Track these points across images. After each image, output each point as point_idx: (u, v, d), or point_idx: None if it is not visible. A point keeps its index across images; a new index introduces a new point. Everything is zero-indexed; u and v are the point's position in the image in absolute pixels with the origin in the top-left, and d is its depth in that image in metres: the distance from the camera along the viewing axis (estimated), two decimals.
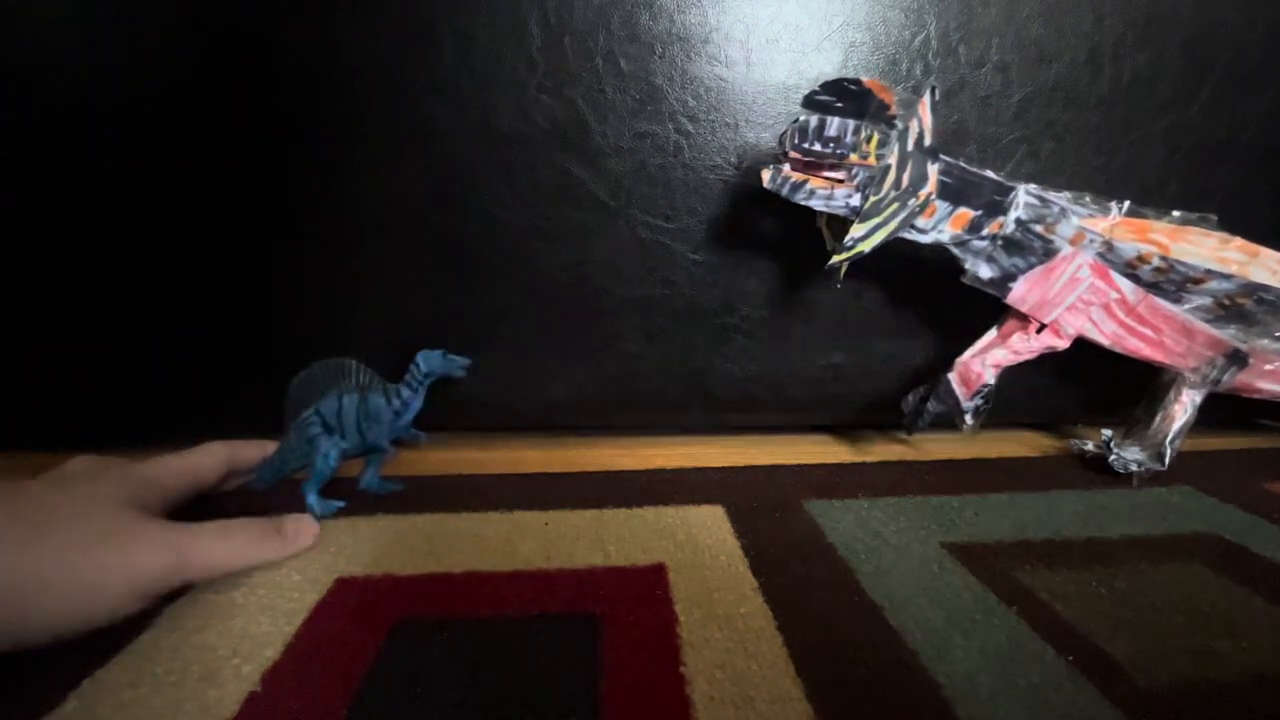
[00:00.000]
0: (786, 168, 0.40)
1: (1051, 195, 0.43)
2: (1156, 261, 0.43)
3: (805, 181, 0.40)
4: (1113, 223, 0.43)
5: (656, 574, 0.36)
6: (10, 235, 0.49)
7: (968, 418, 0.50)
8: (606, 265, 0.52)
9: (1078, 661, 0.29)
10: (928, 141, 0.40)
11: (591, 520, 0.42)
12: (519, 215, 0.50)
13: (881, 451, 0.58)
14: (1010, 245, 0.44)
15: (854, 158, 0.39)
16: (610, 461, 0.54)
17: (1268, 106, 0.53)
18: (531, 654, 0.29)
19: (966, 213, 0.42)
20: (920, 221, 0.42)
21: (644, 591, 0.34)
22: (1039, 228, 0.43)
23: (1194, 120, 0.53)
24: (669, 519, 0.43)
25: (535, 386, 0.56)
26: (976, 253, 0.45)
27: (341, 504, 0.43)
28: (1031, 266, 0.44)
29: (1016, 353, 0.47)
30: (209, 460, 0.42)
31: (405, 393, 0.44)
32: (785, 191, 0.41)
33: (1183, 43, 0.51)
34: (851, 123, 0.38)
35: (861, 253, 0.41)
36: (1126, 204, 0.43)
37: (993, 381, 0.48)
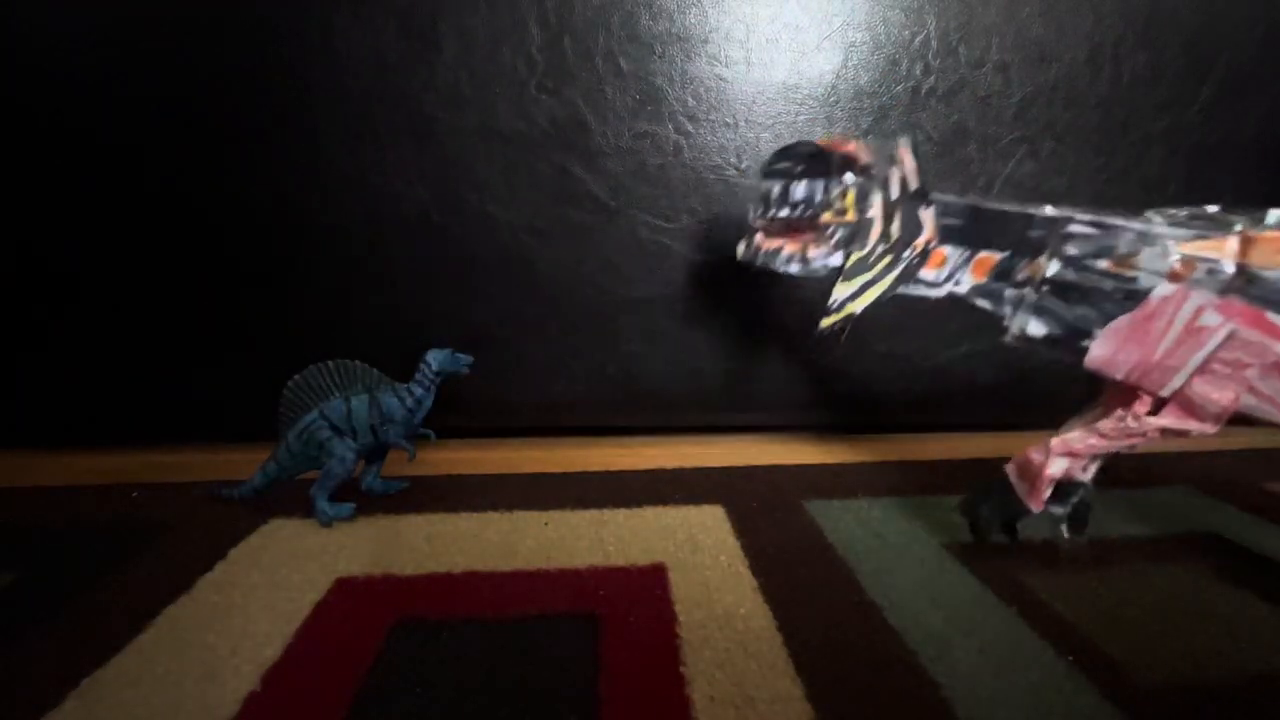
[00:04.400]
0: (759, 237, 0.40)
1: (1119, 219, 0.33)
2: None
3: (780, 248, 0.39)
4: (1244, 242, 0.31)
5: (656, 574, 0.36)
6: (14, 237, 0.49)
7: (1062, 528, 0.40)
8: (606, 265, 0.52)
9: (1078, 661, 0.29)
10: (913, 186, 0.37)
11: (591, 520, 0.42)
12: (519, 215, 0.50)
13: (881, 451, 0.58)
14: (1066, 290, 0.35)
15: (828, 216, 0.37)
16: (610, 461, 0.54)
17: (1268, 106, 0.54)
18: (531, 654, 0.29)
19: (989, 256, 0.36)
20: (927, 274, 0.38)
21: (644, 591, 0.34)
22: (1104, 263, 0.33)
23: (1194, 120, 0.53)
24: (669, 519, 0.43)
25: (535, 386, 0.56)
26: (1015, 304, 0.37)
27: (353, 507, 0.43)
28: (1110, 316, 0.34)
29: (1105, 437, 0.36)
30: None
31: (418, 391, 0.44)
32: (760, 261, 0.40)
33: (1183, 43, 0.51)
34: (820, 181, 0.37)
35: (852, 314, 0.38)
36: (1274, 213, 0.32)
37: (1080, 477, 0.38)
